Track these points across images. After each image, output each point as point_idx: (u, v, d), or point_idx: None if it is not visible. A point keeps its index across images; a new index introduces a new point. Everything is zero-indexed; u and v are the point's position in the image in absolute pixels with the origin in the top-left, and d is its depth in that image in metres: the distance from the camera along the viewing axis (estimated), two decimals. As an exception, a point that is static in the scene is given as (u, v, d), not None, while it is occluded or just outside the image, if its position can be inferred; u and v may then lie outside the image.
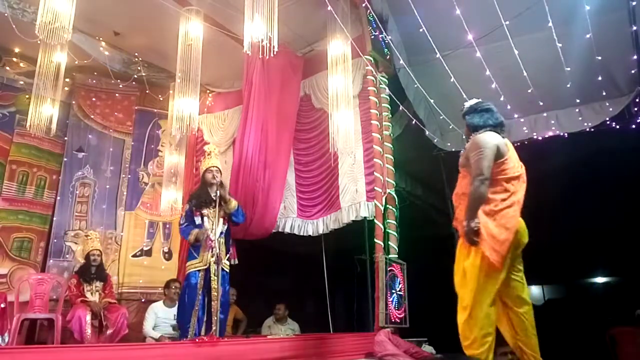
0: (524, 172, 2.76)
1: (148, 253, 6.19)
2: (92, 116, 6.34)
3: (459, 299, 2.65)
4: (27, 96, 5.36)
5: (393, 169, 5.03)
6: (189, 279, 3.95)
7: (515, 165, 2.73)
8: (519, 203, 2.63)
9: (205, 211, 4.12)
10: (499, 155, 2.68)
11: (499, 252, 2.51)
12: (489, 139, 2.69)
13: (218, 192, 4.05)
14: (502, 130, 2.85)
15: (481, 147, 2.67)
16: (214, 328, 3.73)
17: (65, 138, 6.13)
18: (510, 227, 2.55)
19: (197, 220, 4.11)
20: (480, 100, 2.99)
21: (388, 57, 5.42)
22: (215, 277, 3.90)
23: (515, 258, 2.67)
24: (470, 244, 2.61)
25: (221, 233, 4.10)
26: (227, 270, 4.13)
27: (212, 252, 3.95)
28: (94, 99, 6.39)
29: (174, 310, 4.98)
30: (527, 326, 2.62)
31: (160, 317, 5.10)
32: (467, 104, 3.00)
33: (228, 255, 4.15)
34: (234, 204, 4.23)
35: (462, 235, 2.69)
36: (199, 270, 3.95)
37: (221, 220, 4.10)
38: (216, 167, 4.30)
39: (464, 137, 3.13)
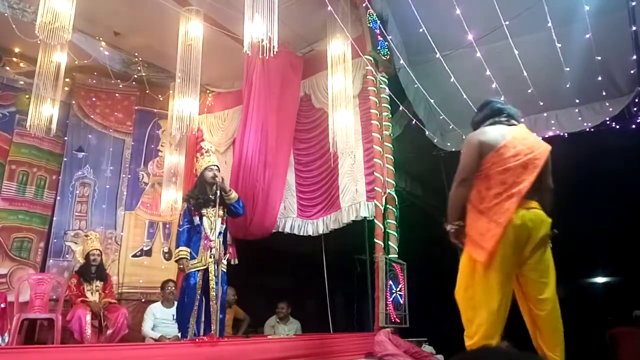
0: (540, 156, 2.54)
1: (148, 253, 6.19)
2: (92, 116, 6.34)
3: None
4: (27, 96, 5.36)
5: (393, 169, 5.03)
6: (188, 280, 3.90)
7: (520, 152, 2.52)
8: (519, 193, 2.43)
9: (204, 211, 4.05)
10: (487, 148, 2.52)
11: (485, 249, 2.38)
12: (473, 137, 2.60)
13: (218, 191, 4.00)
14: (505, 116, 2.68)
15: (464, 148, 2.60)
16: (213, 328, 3.73)
17: (65, 138, 6.13)
18: (501, 222, 2.39)
19: (196, 220, 4.05)
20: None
21: (388, 57, 5.41)
22: (214, 277, 3.89)
23: (531, 255, 2.48)
24: (455, 245, 2.57)
25: (220, 233, 4.06)
26: (225, 270, 4.11)
27: (211, 252, 3.93)
28: (94, 99, 6.39)
29: (173, 310, 4.98)
30: (550, 327, 2.48)
31: (159, 318, 5.10)
32: None
33: (227, 255, 4.11)
34: (234, 194, 4.19)
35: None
36: (198, 271, 3.91)
37: (219, 219, 4.05)
38: (217, 165, 4.22)
39: None
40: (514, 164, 2.50)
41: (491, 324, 2.37)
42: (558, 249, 2.75)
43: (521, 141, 2.57)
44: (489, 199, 2.48)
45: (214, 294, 3.85)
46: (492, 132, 2.60)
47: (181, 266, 3.94)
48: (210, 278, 3.90)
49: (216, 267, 3.91)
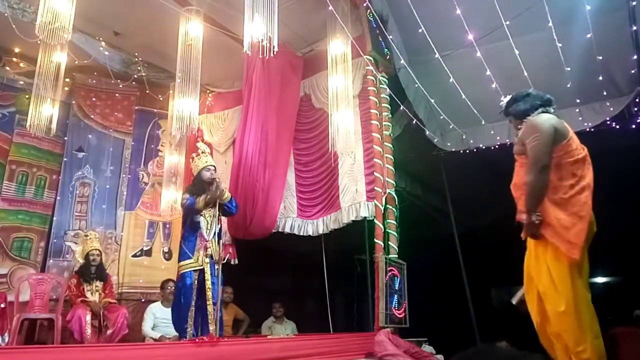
0: (587, 154, 2.51)
1: (148, 253, 6.19)
2: (92, 116, 6.33)
3: (552, 303, 2.41)
4: (27, 96, 5.35)
5: (393, 169, 5.03)
6: (183, 280, 3.89)
7: (578, 146, 2.49)
8: (589, 187, 2.39)
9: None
10: (560, 136, 2.44)
11: (576, 243, 2.31)
12: (545, 120, 2.47)
13: (218, 191, 4.01)
14: (554, 108, 2.62)
15: (537, 131, 2.43)
16: (212, 328, 3.73)
17: (65, 138, 6.13)
18: (584, 215, 2.32)
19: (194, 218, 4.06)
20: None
21: (388, 57, 5.41)
22: (210, 277, 3.89)
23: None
24: (533, 238, 2.46)
25: (215, 233, 4.08)
26: (221, 270, 4.11)
27: (206, 251, 3.93)
28: (94, 99, 6.39)
29: (173, 309, 4.97)
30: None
31: (159, 318, 5.10)
32: (504, 100, 2.79)
33: (227, 256, 4.11)
34: (227, 194, 4.21)
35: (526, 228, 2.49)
36: (194, 271, 3.91)
37: (215, 219, 4.07)
38: (213, 165, 4.25)
39: (515, 131, 2.79)
40: (578, 157, 2.46)
41: (593, 316, 2.39)
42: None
43: (575, 137, 2.53)
44: (563, 189, 2.40)
45: (211, 293, 3.85)
46: (557, 120, 2.50)
47: (210, 197, 3.99)
48: (205, 278, 3.89)
49: (215, 267, 3.92)
